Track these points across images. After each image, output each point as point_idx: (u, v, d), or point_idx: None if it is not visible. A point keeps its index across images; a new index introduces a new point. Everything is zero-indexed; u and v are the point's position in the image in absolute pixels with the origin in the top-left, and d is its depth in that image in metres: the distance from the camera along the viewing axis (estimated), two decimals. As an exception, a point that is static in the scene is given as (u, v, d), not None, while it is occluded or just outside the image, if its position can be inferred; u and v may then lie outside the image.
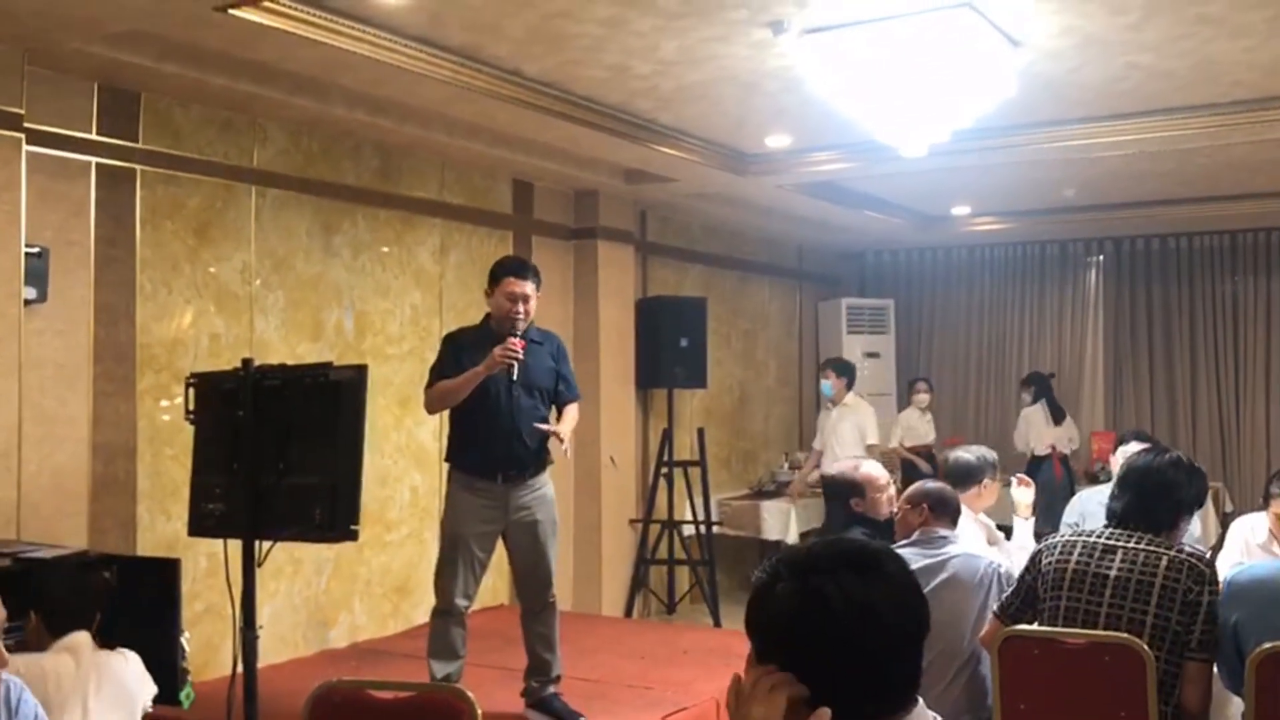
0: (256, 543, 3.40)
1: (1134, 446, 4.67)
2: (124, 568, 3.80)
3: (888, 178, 7.25)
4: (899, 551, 1.80)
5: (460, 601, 4.57)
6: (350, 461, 3.38)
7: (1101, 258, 9.91)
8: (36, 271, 4.42)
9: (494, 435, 4.53)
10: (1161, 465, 3.34)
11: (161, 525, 5.01)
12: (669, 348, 7.61)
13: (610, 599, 7.34)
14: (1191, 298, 9.50)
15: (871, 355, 9.92)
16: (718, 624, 7.17)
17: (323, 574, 5.75)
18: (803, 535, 7.98)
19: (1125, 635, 3.08)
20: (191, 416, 3.60)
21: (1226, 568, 3.70)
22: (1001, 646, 3.25)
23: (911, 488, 4.00)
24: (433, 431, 6.17)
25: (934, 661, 3.45)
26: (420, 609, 5.98)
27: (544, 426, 4.60)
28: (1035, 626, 3.32)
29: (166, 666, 3.56)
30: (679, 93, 5.34)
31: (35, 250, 4.42)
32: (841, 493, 4.40)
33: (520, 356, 4.43)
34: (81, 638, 3.16)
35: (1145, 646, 3.05)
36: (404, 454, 6.19)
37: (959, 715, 3.54)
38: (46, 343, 4.58)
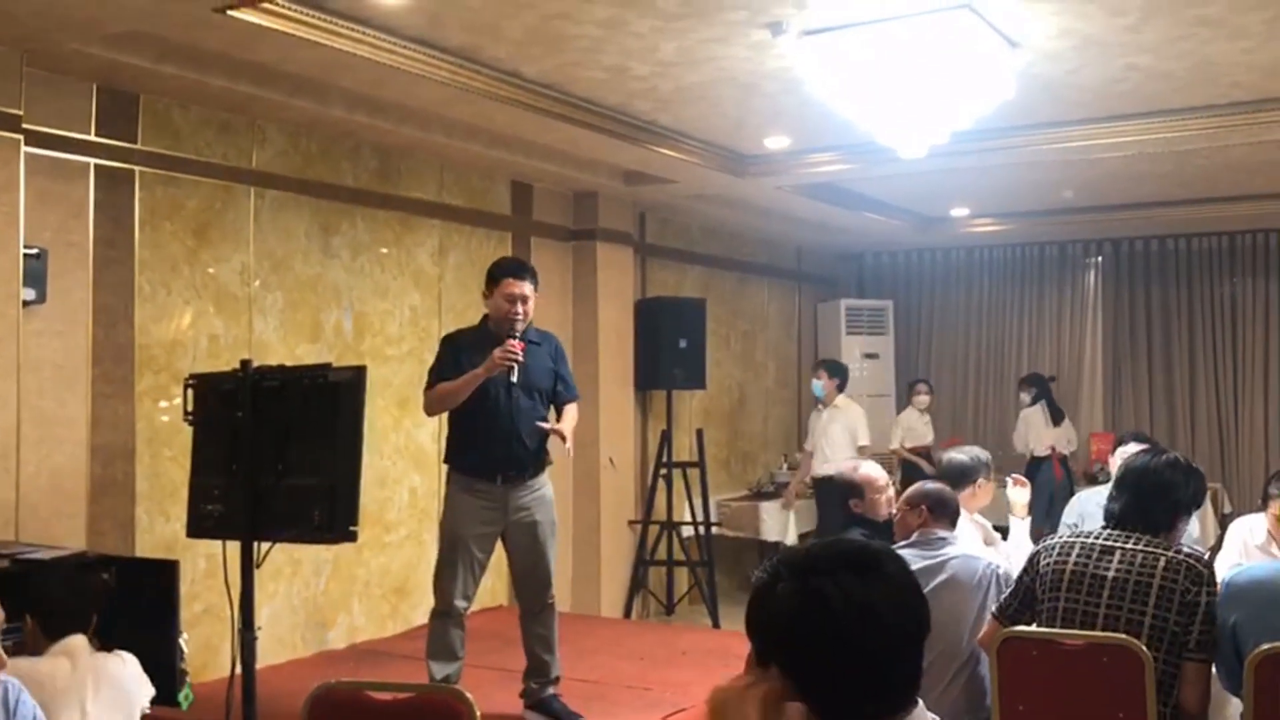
0: (255, 544, 3.41)
1: (1133, 447, 4.67)
2: (123, 569, 3.80)
3: (887, 179, 7.25)
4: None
5: (459, 603, 4.57)
6: (349, 463, 3.38)
7: (1100, 259, 9.91)
8: (35, 273, 4.42)
9: (493, 436, 4.53)
10: (1158, 466, 3.33)
11: (160, 526, 5.00)
12: (668, 349, 7.62)
13: (609, 600, 7.34)
14: (1190, 299, 9.51)
15: (870, 356, 9.93)
16: (717, 625, 7.17)
17: (321, 575, 5.75)
18: (801, 536, 7.99)
19: (1123, 636, 3.08)
20: (190, 418, 3.60)
21: (1225, 569, 3.70)
22: (1000, 647, 3.25)
23: (910, 489, 4.00)
24: (431, 433, 6.17)
25: (933, 663, 3.45)
26: (419, 610, 5.97)
27: (546, 425, 4.61)
28: (1034, 627, 3.32)
29: (165, 668, 3.56)
30: (678, 94, 5.34)
31: (34, 251, 4.41)
32: (840, 494, 4.41)
33: (520, 358, 4.44)
34: (78, 641, 3.15)
35: (1144, 647, 3.05)
36: (403, 455, 6.19)
37: (958, 716, 3.54)
38: (45, 344, 4.57)
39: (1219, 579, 3.21)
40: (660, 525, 7.56)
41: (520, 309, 4.52)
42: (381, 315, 6.10)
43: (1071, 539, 3.35)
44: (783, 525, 8.11)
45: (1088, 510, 4.88)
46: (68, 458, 4.66)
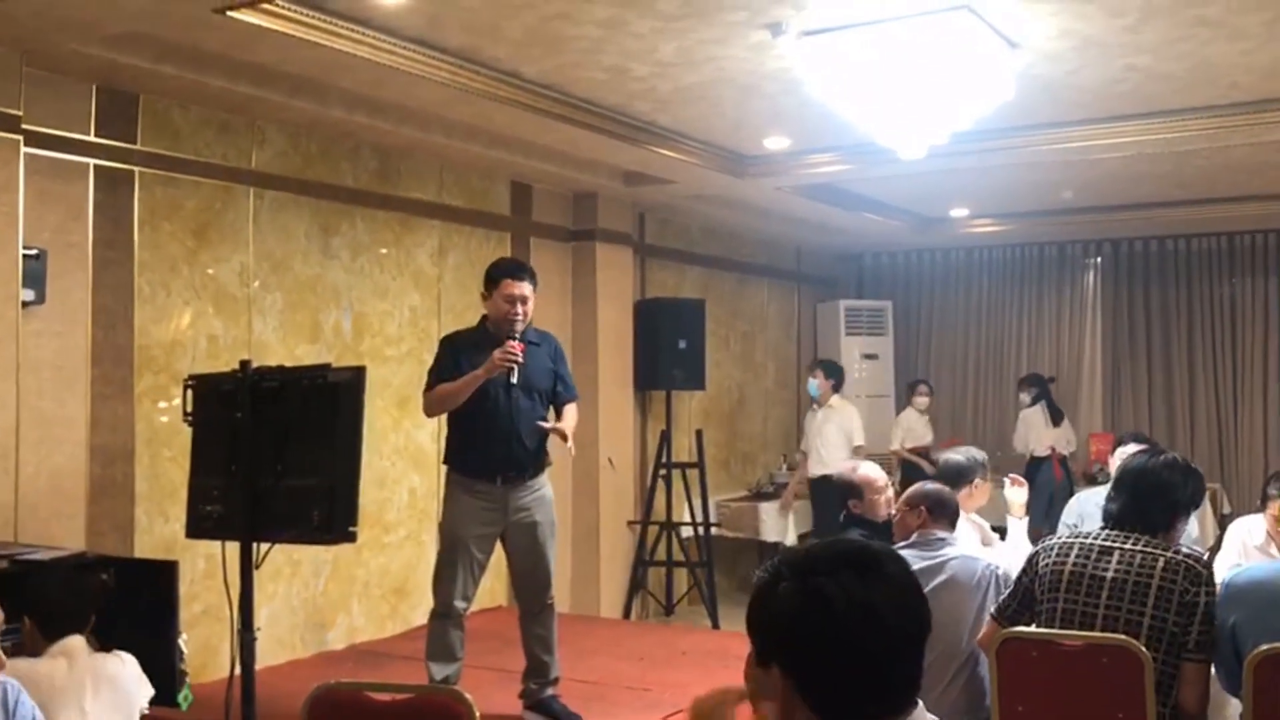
0: (254, 545, 3.41)
1: (1132, 448, 4.67)
2: (122, 570, 3.80)
3: (886, 180, 7.25)
4: (897, 553, 1.79)
5: (459, 603, 4.57)
6: (348, 463, 3.38)
7: (1100, 259, 9.91)
8: (34, 273, 4.41)
9: (493, 437, 4.53)
10: (1157, 466, 3.33)
11: (159, 527, 5.00)
12: (667, 349, 7.61)
13: (608, 600, 7.34)
14: (1190, 299, 9.51)
15: (870, 357, 9.93)
16: (716, 625, 7.17)
17: (321, 576, 5.75)
18: (801, 537, 7.99)
19: (1123, 637, 3.08)
20: (189, 418, 3.60)
21: (1224, 569, 3.70)
22: (999, 648, 3.25)
23: (910, 489, 4.00)
24: (431, 433, 6.17)
25: (933, 663, 3.43)
26: (418, 611, 5.97)
27: (547, 425, 4.61)
28: (1033, 628, 3.32)
29: (164, 668, 3.56)
30: (677, 94, 5.35)
31: (33, 252, 4.41)
32: (840, 495, 4.41)
33: (520, 359, 4.44)
34: (76, 642, 3.15)
35: (1143, 648, 3.05)
36: (402, 456, 6.19)
37: (957, 717, 3.54)
38: (44, 345, 4.57)
39: (1218, 579, 3.21)
40: (659, 526, 7.56)
41: (519, 310, 4.52)
42: (381, 316, 6.10)
43: (1070, 539, 3.35)
44: (782, 526, 8.11)
45: (1087, 511, 4.88)
46: (67, 458, 4.66)
